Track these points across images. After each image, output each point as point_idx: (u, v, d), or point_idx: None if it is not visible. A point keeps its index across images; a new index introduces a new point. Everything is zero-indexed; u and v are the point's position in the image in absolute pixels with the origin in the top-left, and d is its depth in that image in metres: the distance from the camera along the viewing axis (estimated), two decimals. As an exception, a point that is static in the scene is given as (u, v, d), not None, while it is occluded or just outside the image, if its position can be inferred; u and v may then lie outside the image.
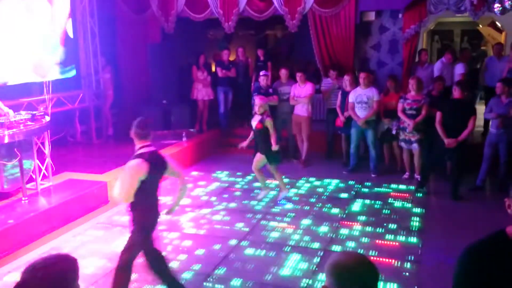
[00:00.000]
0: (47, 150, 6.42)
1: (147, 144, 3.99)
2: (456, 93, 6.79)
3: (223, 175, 8.19)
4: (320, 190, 7.40)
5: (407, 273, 4.75)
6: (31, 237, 5.35)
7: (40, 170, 6.31)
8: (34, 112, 6.34)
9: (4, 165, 5.78)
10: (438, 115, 6.80)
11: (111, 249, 4.89)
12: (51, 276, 1.74)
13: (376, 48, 9.87)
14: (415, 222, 6.08)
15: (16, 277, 1.83)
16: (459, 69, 8.57)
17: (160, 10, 9.91)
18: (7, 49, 7.29)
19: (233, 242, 5.51)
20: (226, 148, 9.70)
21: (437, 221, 6.19)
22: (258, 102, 6.72)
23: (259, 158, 6.84)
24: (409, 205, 6.68)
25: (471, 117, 6.63)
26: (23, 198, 5.87)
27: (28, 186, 6.08)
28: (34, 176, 6.17)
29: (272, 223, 6.07)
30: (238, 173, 8.30)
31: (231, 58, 10.59)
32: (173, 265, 4.94)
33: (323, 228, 5.89)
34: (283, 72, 8.89)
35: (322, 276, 4.64)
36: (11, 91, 7.35)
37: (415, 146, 7.48)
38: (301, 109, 8.54)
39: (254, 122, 6.74)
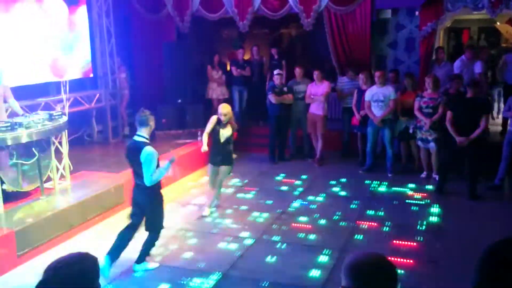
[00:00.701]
0: (64, 150, 6.49)
1: (143, 134, 4.56)
2: (468, 92, 6.75)
3: (237, 174, 8.18)
4: (336, 189, 7.36)
5: (425, 273, 4.70)
6: (50, 235, 5.41)
7: (57, 169, 6.38)
8: (52, 112, 6.42)
9: (22, 164, 5.85)
10: (449, 114, 6.75)
11: (129, 248, 4.91)
12: (73, 275, 1.75)
13: (392, 46, 9.77)
14: (433, 222, 6.01)
15: (36, 275, 1.84)
16: (477, 68, 8.45)
17: (175, 9, 9.95)
18: (24, 49, 7.39)
19: (248, 241, 5.51)
20: (240, 147, 9.68)
21: (455, 220, 6.10)
22: (221, 111, 6.16)
23: (225, 170, 6.36)
24: (427, 204, 6.60)
25: (483, 115, 6.56)
26: (41, 197, 5.93)
27: (46, 185, 6.15)
28: (52, 175, 6.23)
29: (288, 223, 6.05)
30: (253, 172, 8.29)
31: (246, 57, 10.59)
32: (190, 263, 4.96)
33: (339, 228, 5.86)
34: (297, 71, 8.85)
35: (339, 277, 4.60)
36: (29, 91, 7.45)
37: (432, 145, 7.39)
38: (317, 108, 8.49)
39: (227, 133, 6.22)
